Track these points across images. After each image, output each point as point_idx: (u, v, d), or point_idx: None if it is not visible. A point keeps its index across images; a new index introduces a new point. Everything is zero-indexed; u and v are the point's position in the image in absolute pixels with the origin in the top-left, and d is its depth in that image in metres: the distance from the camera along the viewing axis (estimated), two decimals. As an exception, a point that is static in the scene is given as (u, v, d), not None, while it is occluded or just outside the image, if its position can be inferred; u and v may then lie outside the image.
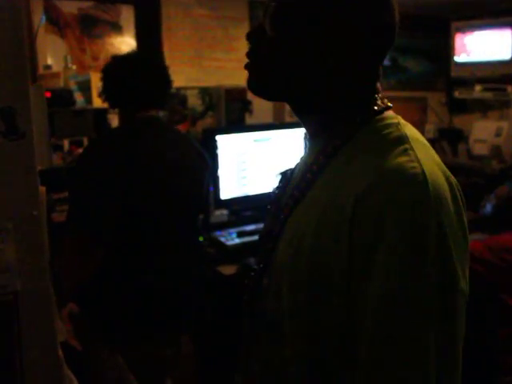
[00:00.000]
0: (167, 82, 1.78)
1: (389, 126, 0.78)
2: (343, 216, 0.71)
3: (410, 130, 0.79)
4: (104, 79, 1.73)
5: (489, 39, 3.54)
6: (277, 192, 0.96)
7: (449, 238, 0.69)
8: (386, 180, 0.69)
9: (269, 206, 0.97)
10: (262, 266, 0.89)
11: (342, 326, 0.73)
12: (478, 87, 3.63)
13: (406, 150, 0.73)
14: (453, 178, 0.76)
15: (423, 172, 0.69)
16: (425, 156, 0.73)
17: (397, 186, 0.68)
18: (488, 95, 3.62)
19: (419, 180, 0.68)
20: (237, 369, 1.00)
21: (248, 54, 0.83)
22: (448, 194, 0.72)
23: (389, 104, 0.83)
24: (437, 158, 0.78)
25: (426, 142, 0.80)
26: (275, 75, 0.81)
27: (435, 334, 0.68)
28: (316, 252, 0.74)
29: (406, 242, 0.67)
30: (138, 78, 1.68)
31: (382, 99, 0.83)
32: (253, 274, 0.93)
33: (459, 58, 3.70)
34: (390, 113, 0.82)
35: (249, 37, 0.82)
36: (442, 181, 0.72)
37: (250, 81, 0.84)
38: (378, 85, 0.85)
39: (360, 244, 0.69)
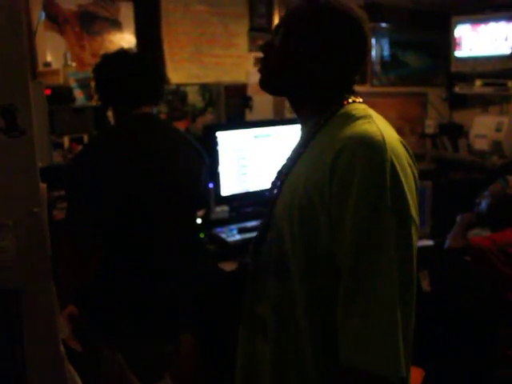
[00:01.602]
0: (159, 77, 1.78)
1: (357, 108, 1.06)
2: (325, 170, 0.97)
3: (373, 113, 1.06)
4: (95, 79, 1.73)
5: (489, 34, 3.53)
6: (274, 179, 1.22)
7: (400, 176, 0.95)
8: (354, 140, 0.97)
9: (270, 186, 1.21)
10: (264, 224, 1.15)
11: (328, 246, 0.98)
12: (478, 82, 3.62)
13: (369, 122, 1.00)
14: (409, 149, 1.04)
15: (381, 134, 0.97)
16: (384, 127, 1.01)
17: (361, 142, 0.95)
18: (488, 90, 3.61)
19: (378, 138, 0.96)
20: (241, 321, 1.21)
21: (261, 60, 1.14)
22: (403, 151, 1.00)
23: (360, 100, 1.10)
24: (395, 134, 1.04)
25: (388, 124, 1.05)
26: (278, 76, 1.11)
27: (395, 248, 0.92)
28: (304, 201, 1.00)
29: (369, 177, 0.93)
30: (128, 76, 1.67)
31: (354, 97, 1.10)
32: (256, 235, 1.18)
33: (459, 52, 3.69)
34: (360, 104, 1.09)
35: (262, 48, 1.13)
36: (397, 143, 1.00)
37: (260, 80, 1.13)
38: (354, 88, 1.12)
39: (338, 184, 0.95)
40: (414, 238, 0.97)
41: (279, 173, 1.19)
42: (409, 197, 0.96)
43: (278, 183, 1.15)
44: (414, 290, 0.97)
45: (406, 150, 1.03)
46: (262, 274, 1.13)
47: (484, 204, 2.35)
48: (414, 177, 1.01)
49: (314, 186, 0.99)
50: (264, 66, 1.12)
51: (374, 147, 0.94)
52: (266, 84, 1.13)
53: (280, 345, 1.08)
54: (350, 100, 1.09)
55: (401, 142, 1.03)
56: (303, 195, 1.01)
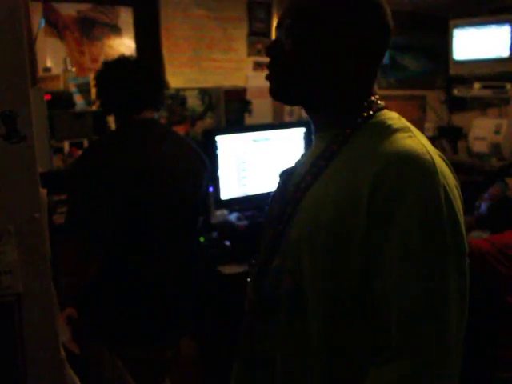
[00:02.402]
0: (159, 83, 1.79)
1: (391, 118, 0.92)
2: (363, 190, 0.83)
3: (409, 124, 0.92)
4: (96, 86, 1.75)
5: (487, 37, 3.54)
6: (279, 185, 1.07)
7: (453, 201, 0.83)
8: (399, 159, 0.83)
9: (271, 196, 1.08)
10: (270, 248, 0.99)
11: (359, 288, 0.85)
12: (476, 85, 3.63)
13: (410, 136, 0.87)
14: (448, 162, 0.90)
15: (429, 153, 0.84)
16: (427, 144, 0.88)
17: (409, 162, 0.82)
18: (487, 93, 3.62)
19: (427, 158, 0.83)
20: (235, 359, 1.07)
21: (269, 66, 0.96)
22: (449, 172, 0.87)
23: (386, 105, 0.97)
24: (434, 149, 0.90)
25: (422, 135, 0.93)
26: (294, 83, 0.94)
27: (451, 285, 0.80)
28: (335, 224, 0.86)
29: (422, 205, 0.80)
30: (129, 82, 1.69)
31: (379, 100, 0.96)
32: (256, 259, 1.04)
33: (458, 55, 3.70)
34: (389, 110, 0.96)
35: (268, 51, 0.95)
36: (444, 165, 0.87)
37: (271, 89, 0.97)
38: (375, 87, 0.98)
39: (379, 212, 0.82)
40: (467, 268, 0.85)
41: (295, 189, 0.98)
42: (463, 226, 0.85)
43: (293, 201, 0.96)
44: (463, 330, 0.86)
45: (448, 166, 0.89)
46: (268, 310, 0.98)
47: (484, 207, 2.35)
48: (461, 198, 0.89)
49: (346, 210, 0.85)
50: (274, 72, 0.95)
51: (423, 169, 0.82)
52: (280, 94, 0.97)
53: None
54: (379, 106, 0.94)
55: (442, 157, 0.89)
56: (331, 220, 0.86)
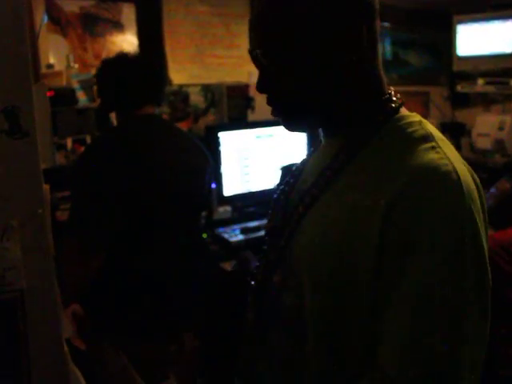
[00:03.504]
0: (159, 78, 1.80)
1: (412, 124, 0.79)
2: (375, 215, 0.72)
3: (432, 129, 0.80)
4: (97, 83, 1.77)
5: (491, 32, 3.52)
6: (282, 187, 0.96)
7: (481, 235, 0.71)
8: (421, 178, 0.71)
9: (273, 199, 0.97)
10: (270, 262, 0.89)
11: (366, 325, 0.74)
12: (480, 81, 3.62)
13: (433, 148, 0.74)
14: (475, 176, 0.78)
15: (455, 170, 0.72)
16: (451, 154, 0.75)
17: (432, 184, 0.70)
18: (490, 89, 3.61)
19: (453, 178, 0.71)
20: (236, 372, 0.99)
21: (269, 102, 0.84)
22: (475, 192, 0.74)
23: (402, 100, 0.84)
24: (459, 155, 0.79)
25: (449, 143, 0.80)
26: (302, 104, 0.82)
27: (471, 334, 0.70)
28: (342, 251, 0.75)
29: (445, 240, 0.69)
30: (127, 78, 1.70)
31: (394, 95, 0.84)
32: (256, 271, 0.93)
33: (461, 51, 3.68)
34: (407, 111, 0.83)
35: (259, 88, 0.83)
36: (470, 179, 0.75)
37: (284, 123, 0.86)
38: (384, 80, 0.86)
39: (395, 241, 0.70)
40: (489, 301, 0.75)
41: (300, 200, 0.85)
42: (486, 253, 0.73)
43: (296, 215, 0.85)
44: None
45: (475, 181, 0.77)
46: (268, 329, 0.90)
47: (492, 202, 2.33)
48: (484, 216, 0.77)
49: (356, 232, 0.74)
50: (277, 105, 0.84)
51: (449, 191, 0.70)
52: (295, 124, 0.86)
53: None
54: (394, 105, 0.82)
55: (470, 171, 0.78)
56: (339, 241, 0.75)
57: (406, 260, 0.70)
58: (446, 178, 0.71)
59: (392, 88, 0.85)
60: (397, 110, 0.81)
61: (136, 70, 1.72)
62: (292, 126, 0.87)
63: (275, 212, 0.94)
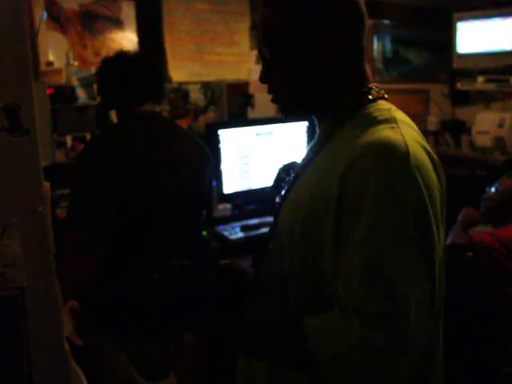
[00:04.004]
0: (159, 76, 1.81)
1: (380, 110, 0.92)
2: (334, 178, 0.85)
3: (399, 115, 0.92)
4: (96, 82, 1.78)
5: (491, 30, 3.52)
6: (277, 187, 1.14)
7: (424, 194, 0.81)
8: (372, 149, 0.83)
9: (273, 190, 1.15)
10: (268, 234, 1.05)
11: (330, 263, 0.87)
12: (480, 78, 3.62)
13: (392, 128, 0.87)
14: (435, 157, 0.90)
15: (405, 144, 0.83)
16: (408, 134, 0.87)
17: (380, 152, 0.82)
18: (490, 86, 3.61)
19: (401, 150, 0.82)
20: (245, 313, 1.12)
21: (269, 91, 0.99)
22: (429, 165, 0.86)
23: (385, 96, 0.97)
24: (423, 141, 0.90)
25: (415, 127, 0.94)
26: (297, 93, 0.96)
27: (418, 284, 0.80)
28: (310, 208, 0.89)
29: (388, 196, 0.80)
30: (126, 75, 1.71)
31: (378, 91, 0.97)
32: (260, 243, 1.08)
33: (461, 49, 3.68)
34: (383, 101, 0.96)
35: (261, 79, 0.98)
36: (422, 154, 0.86)
37: (281, 109, 1.02)
38: (369, 77, 0.98)
39: (349, 198, 0.82)
40: (437, 265, 0.84)
41: (286, 174, 1.09)
42: (432, 218, 0.82)
43: (285, 190, 1.03)
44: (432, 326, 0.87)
45: (432, 160, 0.88)
46: (265, 290, 1.03)
47: (495, 199, 2.33)
48: (441, 190, 0.88)
49: (320, 198, 0.87)
50: (275, 92, 0.98)
51: (394, 158, 0.81)
52: (290, 109, 1.01)
53: (275, 370, 0.99)
54: (372, 96, 0.94)
55: (427, 151, 0.88)
56: (307, 206, 0.89)
57: (355, 216, 0.81)
58: (393, 150, 0.82)
59: (376, 84, 0.97)
60: (373, 100, 0.94)
61: (136, 67, 1.73)
62: (288, 112, 1.01)
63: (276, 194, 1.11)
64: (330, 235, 0.85)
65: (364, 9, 0.93)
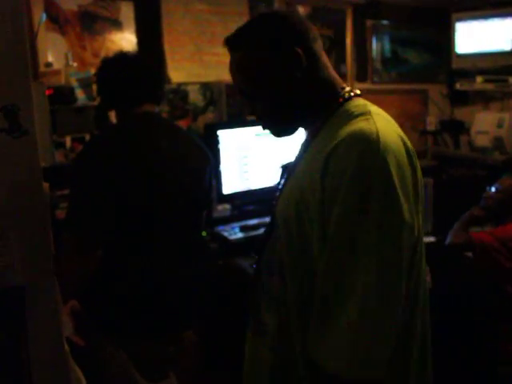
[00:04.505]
0: (158, 76, 1.81)
1: (356, 106, 1.03)
2: (317, 169, 0.96)
3: (374, 109, 1.02)
4: (96, 82, 1.78)
5: (490, 30, 3.52)
6: (281, 182, 1.19)
7: (393, 176, 0.90)
8: (347, 138, 0.94)
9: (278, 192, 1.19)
10: (268, 225, 1.15)
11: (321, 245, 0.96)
12: (479, 79, 3.62)
13: (367, 119, 0.97)
14: (410, 145, 0.99)
15: (377, 131, 0.93)
16: (382, 124, 0.96)
17: (354, 140, 0.93)
18: (489, 86, 3.61)
19: (372, 136, 0.92)
20: (247, 327, 1.19)
21: (259, 122, 1.13)
22: (402, 150, 0.95)
23: (358, 92, 1.08)
24: (398, 129, 1.01)
25: (390, 119, 1.04)
26: (282, 117, 1.10)
27: (376, 254, 0.89)
28: (300, 195, 0.99)
29: (357, 177, 0.90)
30: (126, 76, 1.71)
31: (350, 90, 1.08)
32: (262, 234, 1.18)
33: (460, 49, 3.68)
34: (359, 98, 1.07)
35: (251, 112, 1.13)
36: (394, 140, 0.95)
37: (273, 133, 1.14)
38: (338, 79, 1.10)
39: (329, 183, 0.93)
40: (406, 242, 0.92)
41: (283, 173, 1.19)
42: (401, 198, 0.91)
43: (282, 182, 1.16)
44: (397, 297, 0.92)
45: (406, 146, 0.98)
46: (267, 275, 1.12)
47: (496, 199, 2.33)
48: (414, 175, 0.97)
49: (307, 185, 0.98)
50: (265, 122, 1.12)
51: (365, 145, 0.91)
52: (281, 132, 1.14)
53: (277, 352, 1.07)
54: (346, 95, 1.06)
55: (401, 138, 0.98)
56: (298, 194, 1.00)
57: (332, 199, 0.92)
58: (365, 136, 0.92)
59: (346, 85, 1.10)
60: (348, 98, 1.05)
61: (135, 68, 1.73)
62: (279, 134, 1.14)
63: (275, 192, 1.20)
64: (317, 219, 0.96)
65: (303, 25, 1.06)
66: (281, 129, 1.13)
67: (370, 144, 0.91)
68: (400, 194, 0.91)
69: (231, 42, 1.09)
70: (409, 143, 1.00)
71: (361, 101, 1.06)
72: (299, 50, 1.03)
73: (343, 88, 1.08)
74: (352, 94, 1.07)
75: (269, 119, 1.10)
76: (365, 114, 0.99)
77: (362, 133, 0.93)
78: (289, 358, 1.04)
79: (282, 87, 1.05)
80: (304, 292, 1.00)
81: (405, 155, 0.96)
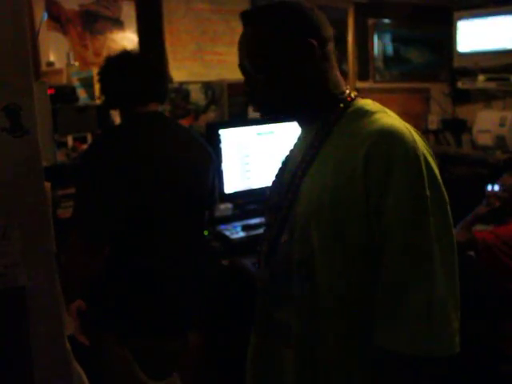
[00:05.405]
0: (163, 76, 1.81)
1: (367, 104, 1.09)
2: (357, 162, 0.98)
3: (380, 106, 1.08)
4: (100, 81, 1.77)
5: (492, 28, 3.51)
6: (275, 179, 1.24)
7: (434, 167, 1.00)
8: (386, 135, 0.98)
9: (269, 190, 1.23)
10: (276, 227, 1.12)
11: (364, 248, 0.99)
12: (481, 77, 3.61)
13: (389, 116, 1.04)
14: (419, 133, 1.06)
15: (407, 128, 1.01)
16: (397, 119, 1.05)
17: (394, 135, 0.98)
18: (491, 85, 3.60)
19: (407, 133, 0.99)
20: (252, 333, 1.20)
21: (250, 99, 1.15)
22: (422, 142, 1.03)
23: (356, 94, 1.12)
24: (409, 126, 1.06)
25: (391, 112, 1.09)
26: (274, 100, 1.11)
27: (435, 228, 0.96)
28: (337, 197, 1.00)
29: (409, 168, 0.96)
30: (132, 76, 1.70)
31: (350, 92, 1.11)
32: (263, 238, 1.18)
33: (462, 48, 3.68)
34: (361, 98, 1.11)
35: (246, 86, 1.13)
36: (416, 134, 1.03)
37: (261, 114, 1.15)
38: (342, 81, 1.13)
39: (374, 183, 0.96)
40: (451, 218, 1.01)
41: (286, 176, 1.17)
42: (441, 183, 1.01)
43: (294, 184, 1.11)
44: (456, 272, 1.00)
45: (420, 136, 1.05)
46: (281, 278, 1.10)
47: (503, 197, 2.32)
48: (437, 164, 1.05)
49: (345, 181, 0.99)
50: (257, 100, 1.13)
51: (407, 140, 0.98)
52: (268, 113, 1.14)
53: (305, 350, 1.06)
54: (352, 95, 1.10)
55: (418, 133, 1.05)
56: (334, 193, 1.00)
57: (383, 195, 0.96)
58: (403, 134, 0.98)
59: (348, 87, 1.13)
60: (353, 99, 1.10)
61: (141, 67, 1.73)
62: (267, 115, 1.15)
63: (271, 195, 1.21)
64: (361, 211, 0.98)
65: (323, 22, 1.09)
66: (271, 109, 1.13)
67: (407, 139, 0.98)
68: (441, 181, 1.01)
69: (249, 15, 1.12)
70: (419, 132, 1.06)
71: (366, 99, 1.11)
72: (314, 42, 1.06)
73: (344, 92, 1.11)
74: (353, 95, 1.11)
75: (264, 96, 1.11)
76: (381, 111, 1.06)
77: (397, 129, 0.99)
78: (321, 362, 1.05)
79: (289, 70, 1.07)
80: (340, 290, 1.02)
81: (426, 145, 1.04)
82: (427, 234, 0.96)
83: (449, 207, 1.01)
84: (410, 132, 1.00)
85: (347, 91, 1.11)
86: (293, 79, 1.08)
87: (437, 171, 1.01)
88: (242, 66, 1.12)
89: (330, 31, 1.11)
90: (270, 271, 1.14)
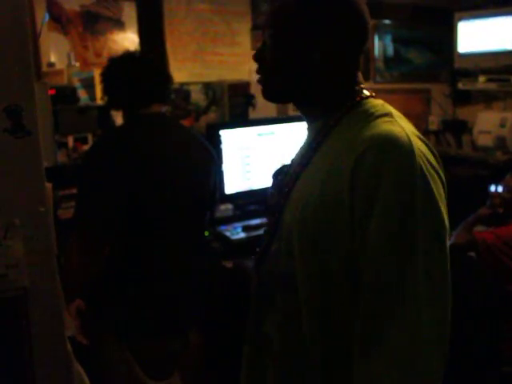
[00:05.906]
0: (165, 77, 1.81)
1: (374, 106, 0.96)
2: (344, 175, 0.87)
3: (392, 110, 0.96)
4: (103, 82, 1.76)
5: (492, 29, 3.51)
6: (275, 183, 1.14)
7: (431, 184, 0.85)
8: (377, 142, 0.86)
9: (269, 194, 1.14)
10: (270, 234, 1.05)
11: (344, 261, 0.88)
12: (481, 78, 3.61)
13: (391, 121, 0.90)
14: (431, 145, 0.94)
15: (407, 135, 0.87)
16: (407, 126, 0.91)
17: (387, 145, 0.85)
18: (492, 86, 3.60)
19: (405, 140, 0.86)
20: (245, 342, 1.13)
21: (258, 71, 1.03)
22: (429, 154, 0.90)
23: (373, 94, 1.01)
24: (415, 130, 0.94)
25: (408, 121, 0.97)
26: (281, 82, 1.00)
27: (425, 273, 0.83)
28: (320, 209, 0.90)
29: (397, 187, 0.83)
30: (135, 77, 1.70)
31: (364, 89, 1.00)
32: (260, 245, 1.09)
33: (462, 48, 3.68)
34: (377, 99, 1.00)
35: (255, 57, 1.01)
36: (422, 144, 0.90)
37: (263, 91, 1.03)
38: (360, 77, 1.01)
39: (362, 193, 0.85)
40: (448, 250, 0.87)
41: (286, 178, 1.07)
42: (441, 205, 0.86)
43: (286, 190, 1.03)
44: (447, 308, 0.86)
45: (431, 150, 0.92)
46: (268, 289, 1.04)
47: (504, 198, 2.32)
48: (442, 180, 0.91)
49: (331, 194, 0.88)
50: (263, 75, 1.02)
51: (401, 151, 0.84)
52: (271, 94, 1.03)
53: (284, 369, 1.00)
54: (363, 95, 0.99)
55: (425, 142, 0.92)
56: (318, 204, 0.90)
57: (369, 207, 0.84)
58: (399, 140, 0.85)
59: (365, 87, 1.01)
60: (365, 99, 0.98)
61: (144, 68, 1.73)
62: (268, 96, 1.03)
63: (270, 199, 1.13)
64: (343, 229, 0.87)
65: (367, 21, 0.98)
66: (276, 88, 1.01)
67: (404, 149, 0.85)
68: (439, 201, 0.86)
69: None
70: (433, 147, 0.94)
71: (378, 101, 0.98)
72: (354, 30, 0.96)
73: (362, 88, 1.00)
74: (368, 94, 1.00)
75: (272, 73, 0.99)
76: (387, 114, 0.93)
77: (394, 136, 0.86)
78: (296, 371, 0.99)
79: (306, 53, 0.95)
80: (320, 306, 0.93)
81: (432, 158, 0.91)
82: (412, 272, 0.82)
83: (447, 236, 0.88)
84: (410, 140, 0.86)
85: (359, 88, 1.00)
86: (310, 62, 0.96)
87: (439, 191, 0.87)
88: (263, 32, 1.01)
89: (368, 34, 1.00)
90: (258, 280, 1.08)
